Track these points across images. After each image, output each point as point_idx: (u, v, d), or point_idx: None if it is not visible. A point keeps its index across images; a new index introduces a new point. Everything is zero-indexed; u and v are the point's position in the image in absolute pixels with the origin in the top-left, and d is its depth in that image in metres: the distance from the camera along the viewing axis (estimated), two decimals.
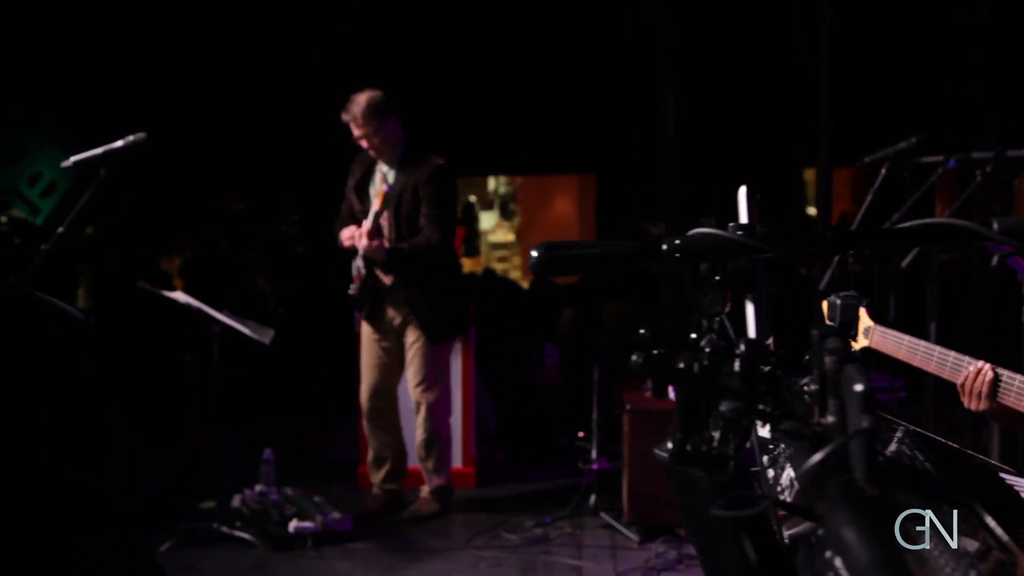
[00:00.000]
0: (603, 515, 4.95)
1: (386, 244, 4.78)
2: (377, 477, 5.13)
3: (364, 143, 4.80)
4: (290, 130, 8.40)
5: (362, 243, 4.72)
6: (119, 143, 3.55)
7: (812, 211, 19.80)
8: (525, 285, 9.75)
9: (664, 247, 1.13)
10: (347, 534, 4.74)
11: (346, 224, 5.00)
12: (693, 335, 1.08)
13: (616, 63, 8.06)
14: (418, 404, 5.00)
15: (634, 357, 1.03)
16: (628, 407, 4.79)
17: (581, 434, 6.48)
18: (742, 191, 1.19)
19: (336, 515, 4.77)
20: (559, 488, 5.50)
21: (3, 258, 7.82)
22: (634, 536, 4.74)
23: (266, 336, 4.70)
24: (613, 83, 8.37)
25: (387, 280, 4.88)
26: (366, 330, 5.01)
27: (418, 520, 5.00)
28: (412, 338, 4.94)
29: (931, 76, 7.72)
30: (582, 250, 1.15)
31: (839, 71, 5.35)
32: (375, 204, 4.87)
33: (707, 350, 1.05)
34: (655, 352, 1.03)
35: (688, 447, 1.06)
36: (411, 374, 4.98)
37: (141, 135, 3.56)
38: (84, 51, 6.65)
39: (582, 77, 8.45)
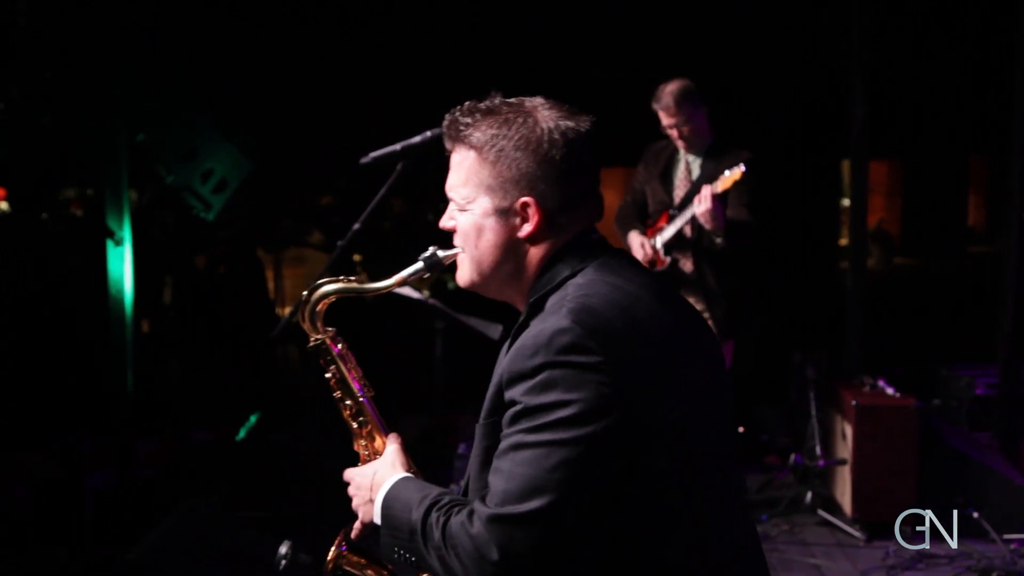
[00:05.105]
0: (821, 512, 4.91)
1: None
2: None
3: (674, 132, 4.66)
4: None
5: (704, 206, 4.35)
6: (416, 139, 3.50)
7: (845, 202, 19.76)
8: None
9: None
10: None
11: (628, 214, 4.89)
12: None
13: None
14: None
15: None
16: (854, 403, 4.75)
17: (741, 429, 6.47)
18: None
19: None
20: (751, 484, 5.45)
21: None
22: (859, 534, 4.71)
23: (495, 332, 4.66)
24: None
25: (688, 268, 4.73)
26: None
27: None
28: None
29: None
30: None
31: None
32: (679, 194, 4.75)
33: None
34: None
35: None
36: None
37: (438, 130, 3.50)
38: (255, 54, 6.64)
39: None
